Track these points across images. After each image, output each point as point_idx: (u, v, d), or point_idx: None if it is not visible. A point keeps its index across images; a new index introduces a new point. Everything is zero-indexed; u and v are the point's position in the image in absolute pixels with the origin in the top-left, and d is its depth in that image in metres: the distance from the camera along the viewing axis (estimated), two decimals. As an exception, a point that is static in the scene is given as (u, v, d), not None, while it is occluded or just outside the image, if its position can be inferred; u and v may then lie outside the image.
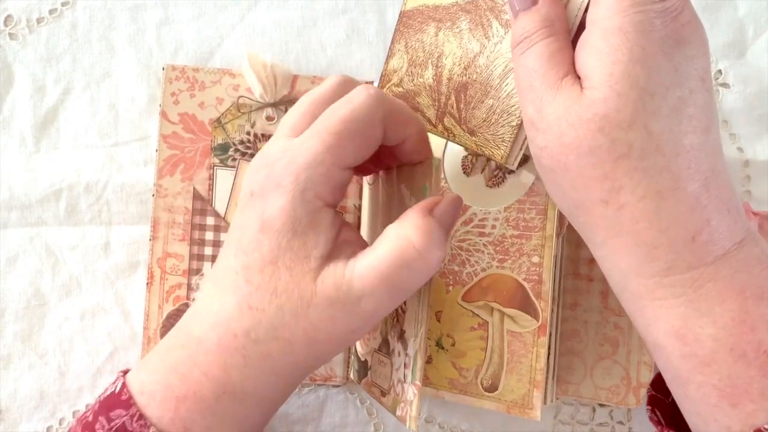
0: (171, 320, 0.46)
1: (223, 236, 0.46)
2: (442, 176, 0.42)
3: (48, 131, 0.47)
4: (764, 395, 0.29)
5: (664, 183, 0.29)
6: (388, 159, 0.38)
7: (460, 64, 0.37)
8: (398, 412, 0.37)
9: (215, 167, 0.47)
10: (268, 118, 0.47)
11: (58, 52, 0.48)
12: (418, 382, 0.36)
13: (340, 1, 0.49)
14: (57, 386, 0.46)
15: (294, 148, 0.33)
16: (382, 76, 0.39)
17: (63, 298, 0.47)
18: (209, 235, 0.46)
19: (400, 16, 0.39)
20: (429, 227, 0.33)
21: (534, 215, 0.40)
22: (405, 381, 0.37)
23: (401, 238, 0.33)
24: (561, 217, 0.40)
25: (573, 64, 0.32)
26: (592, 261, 0.45)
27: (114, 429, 0.34)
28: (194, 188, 0.46)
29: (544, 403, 0.41)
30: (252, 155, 0.47)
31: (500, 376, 0.41)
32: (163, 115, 0.46)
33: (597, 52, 0.30)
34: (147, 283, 0.46)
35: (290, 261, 0.33)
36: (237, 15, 0.49)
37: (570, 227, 0.43)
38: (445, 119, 0.37)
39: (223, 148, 0.47)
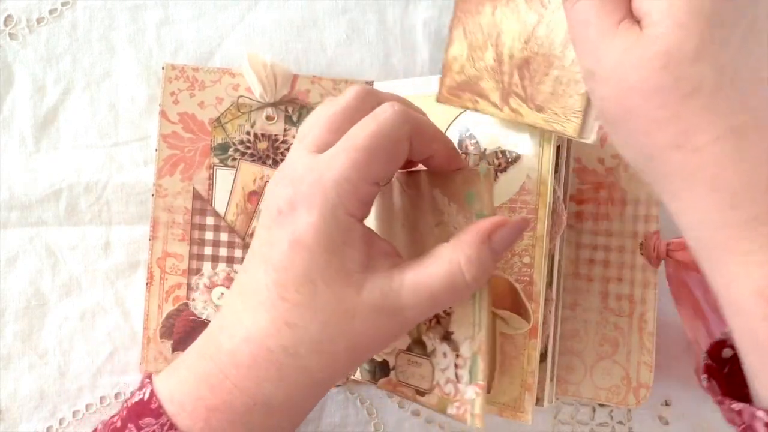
0: (171, 320, 0.46)
1: (222, 236, 0.46)
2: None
3: (48, 131, 0.47)
4: None
5: (742, 120, 0.27)
6: (409, 165, 0.39)
7: (519, 39, 0.36)
8: (451, 411, 0.38)
9: (215, 167, 0.47)
10: (268, 118, 0.47)
11: (58, 52, 0.48)
12: (481, 382, 0.36)
13: (340, 1, 0.49)
14: (57, 386, 0.46)
15: (321, 166, 0.33)
16: (443, 65, 0.38)
17: (63, 298, 0.47)
18: (209, 235, 0.46)
19: (455, 2, 0.38)
20: (483, 260, 0.34)
21: (525, 215, 0.40)
22: (460, 381, 0.37)
23: (454, 264, 0.33)
24: (554, 216, 0.40)
25: (629, 9, 0.29)
26: (591, 261, 0.45)
27: None
28: (194, 188, 0.46)
29: (543, 404, 0.40)
30: (252, 155, 0.47)
31: (493, 378, 0.41)
32: (163, 114, 0.46)
33: None
34: (147, 283, 0.46)
35: (329, 278, 0.33)
36: (237, 15, 0.49)
37: (568, 227, 0.43)
38: (511, 100, 0.36)
39: (223, 148, 0.47)
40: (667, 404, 0.48)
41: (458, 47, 0.38)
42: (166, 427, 0.34)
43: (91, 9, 0.48)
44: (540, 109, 0.35)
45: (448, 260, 0.34)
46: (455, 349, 0.38)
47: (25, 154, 0.47)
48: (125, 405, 0.36)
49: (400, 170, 0.39)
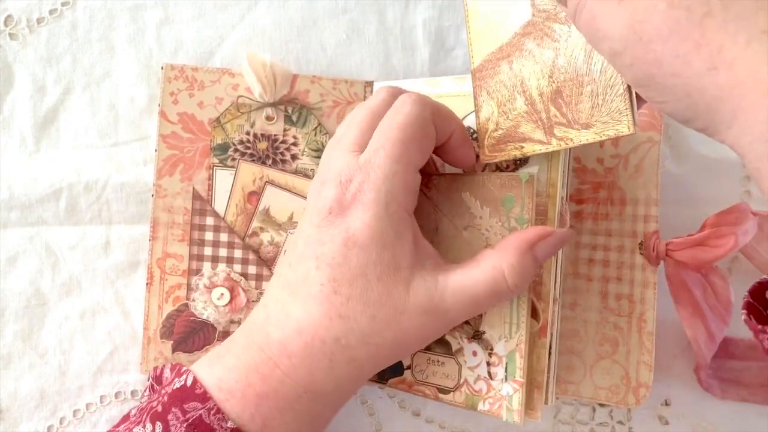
0: (171, 320, 0.46)
1: (222, 236, 0.46)
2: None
3: (48, 131, 0.47)
4: None
5: (765, 21, 0.27)
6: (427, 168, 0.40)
7: (543, 77, 0.37)
8: (482, 407, 0.40)
9: (215, 167, 0.47)
10: (268, 118, 0.47)
11: (58, 52, 0.48)
12: (519, 379, 0.39)
13: (340, 1, 0.49)
14: (57, 385, 0.46)
15: (365, 165, 0.35)
16: (477, 130, 0.40)
17: (63, 298, 0.47)
18: (209, 236, 0.46)
19: (472, 74, 0.40)
20: (526, 268, 0.36)
21: (534, 215, 0.40)
22: (493, 378, 0.39)
23: (497, 271, 0.35)
24: (561, 217, 0.40)
25: None
26: (591, 261, 0.45)
27: (190, 420, 0.35)
28: (193, 188, 0.46)
29: (545, 403, 0.41)
30: (251, 155, 0.47)
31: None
32: (162, 114, 0.46)
33: None
34: (147, 284, 0.46)
35: (381, 273, 0.35)
36: (237, 15, 0.49)
37: (570, 228, 0.43)
38: (555, 130, 0.37)
39: (223, 148, 0.47)
40: (667, 404, 0.48)
41: (487, 109, 0.40)
42: (213, 411, 0.35)
43: (91, 9, 0.48)
44: (587, 126, 0.36)
45: (492, 266, 0.36)
46: (487, 347, 0.40)
47: (25, 154, 0.47)
48: (164, 391, 0.37)
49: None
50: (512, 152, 0.39)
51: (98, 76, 0.48)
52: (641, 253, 0.44)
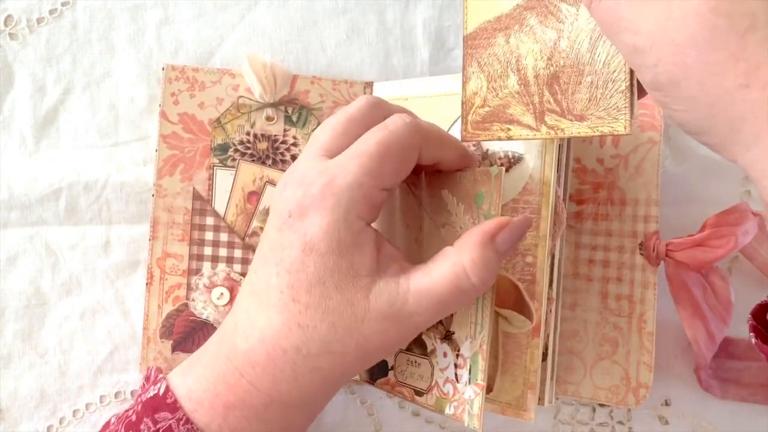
0: (170, 320, 0.46)
1: (222, 236, 0.46)
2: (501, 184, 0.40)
3: (48, 131, 0.47)
4: None
5: None
6: (418, 170, 0.39)
7: (542, 58, 0.35)
8: (449, 411, 0.38)
9: (215, 167, 0.47)
10: (268, 119, 0.47)
11: (58, 52, 0.48)
12: (480, 382, 0.37)
13: (340, 1, 0.49)
14: (57, 385, 0.46)
15: (333, 170, 0.34)
16: (462, 103, 0.38)
17: (63, 297, 0.47)
18: (209, 236, 0.46)
19: (464, 40, 0.38)
20: (487, 260, 0.34)
21: (529, 214, 0.40)
22: (459, 381, 0.38)
23: (458, 266, 0.34)
24: (556, 216, 0.40)
25: None
26: (591, 261, 0.45)
27: (161, 431, 0.35)
28: (194, 188, 0.46)
29: (543, 403, 0.41)
30: (252, 155, 0.47)
31: (495, 378, 0.41)
32: (163, 115, 0.46)
33: None
34: (146, 283, 0.46)
35: (339, 280, 0.34)
36: (237, 15, 0.49)
37: (568, 227, 0.43)
38: (546, 118, 0.35)
39: (223, 149, 0.47)
40: (667, 404, 0.48)
41: (475, 82, 0.38)
42: (182, 422, 0.35)
43: (91, 9, 0.48)
44: (581, 119, 0.34)
45: (452, 263, 0.34)
46: (456, 348, 0.39)
47: (25, 154, 0.47)
48: (139, 399, 0.37)
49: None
50: (497, 133, 0.37)
51: (98, 76, 0.48)
52: (641, 254, 0.44)
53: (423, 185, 0.41)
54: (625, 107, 0.33)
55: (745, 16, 0.26)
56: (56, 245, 0.47)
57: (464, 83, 0.38)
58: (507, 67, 0.36)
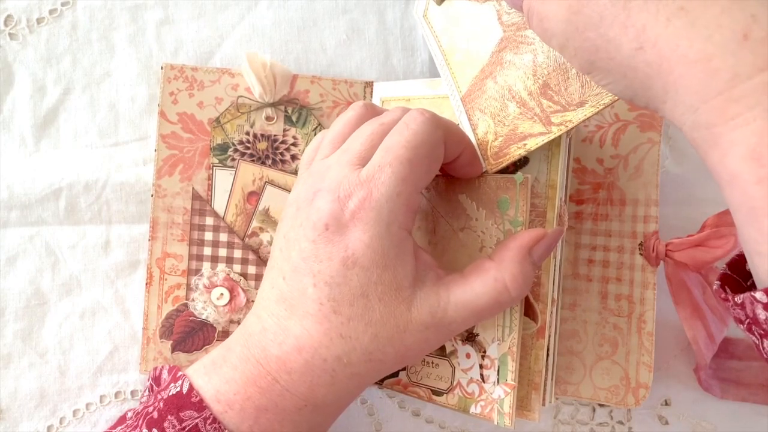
0: (170, 320, 0.46)
1: (222, 236, 0.46)
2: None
3: (48, 131, 0.47)
4: None
5: None
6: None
7: (528, 77, 0.38)
8: (475, 410, 0.39)
9: (214, 167, 0.47)
10: (268, 118, 0.47)
11: (58, 52, 0.48)
12: (511, 382, 0.38)
13: (340, 1, 0.49)
14: (57, 385, 0.46)
15: (367, 181, 0.34)
16: (477, 145, 0.40)
17: (63, 297, 0.47)
18: (208, 236, 0.46)
19: (461, 102, 0.41)
20: (527, 274, 0.35)
21: (533, 216, 0.40)
22: (486, 381, 0.39)
23: (499, 282, 0.35)
24: (560, 218, 0.40)
25: None
26: (591, 261, 0.45)
27: (186, 429, 0.35)
28: (193, 188, 0.46)
29: (544, 404, 0.41)
30: (251, 155, 0.47)
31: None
32: (162, 114, 0.46)
33: None
34: (146, 284, 0.46)
35: (382, 293, 0.34)
36: (237, 15, 0.49)
37: (568, 228, 0.43)
38: (553, 118, 0.37)
39: (222, 149, 0.47)
40: (666, 404, 0.48)
41: (483, 125, 0.40)
42: (209, 421, 0.35)
43: (91, 9, 0.48)
44: (582, 104, 0.36)
45: (494, 278, 0.35)
46: (481, 350, 0.40)
47: (25, 154, 0.47)
48: (159, 397, 0.37)
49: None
50: (516, 152, 0.39)
51: (98, 76, 0.48)
52: (641, 254, 0.44)
53: (435, 188, 0.41)
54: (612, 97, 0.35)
55: None
56: (56, 245, 0.47)
57: (473, 130, 0.40)
58: (503, 99, 0.39)
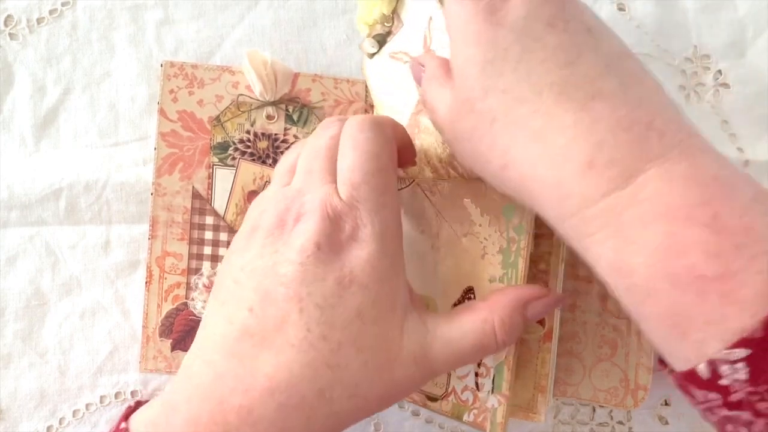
0: (170, 319, 0.46)
1: (222, 236, 0.46)
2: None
3: (48, 131, 0.47)
4: (708, 322, 0.27)
5: (537, 123, 0.30)
6: None
7: (438, 145, 0.39)
8: (467, 418, 0.39)
9: (214, 166, 0.47)
10: (268, 117, 0.47)
11: (58, 52, 0.48)
12: (505, 393, 0.38)
13: (340, 1, 0.49)
14: (57, 385, 0.46)
15: (350, 199, 0.33)
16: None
17: (63, 297, 0.47)
18: (208, 235, 0.46)
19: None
20: (516, 326, 0.35)
21: (542, 222, 0.40)
22: (480, 390, 0.39)
23: (488, 324, 0.34)
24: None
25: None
26: (591, 263, 0.45)
27: None
28: (193, 187, 0.46)
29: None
30: (252, 154, 0.47)
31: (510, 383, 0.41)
32: (162, 112, 0.46)
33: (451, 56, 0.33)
34: (146, 282, 0.46)
35: (378, 313, 0.32)
36: (237, 15, 0.49)
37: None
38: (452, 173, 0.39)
39: (223, 147, 0.47)
40: (666, 404, 0.48)
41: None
42: None
43: (91, 9, 0.48)
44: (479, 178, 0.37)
45: (482, 319, 0.34)
46: None
47: (25, 154, 0.47)
48: None
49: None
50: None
51: (98, 76, 0.48)
52: None
53: (441, 192, 0.41)
54: None
55: (488, 111, 0.31)
56: (56, 245, 0.47)
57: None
58: (420, 162, 0.40)
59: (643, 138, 0.29)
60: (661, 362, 0.32)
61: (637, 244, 0.28)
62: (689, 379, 0.28)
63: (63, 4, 0.48)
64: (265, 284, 0.32)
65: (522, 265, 0.38)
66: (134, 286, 0.47)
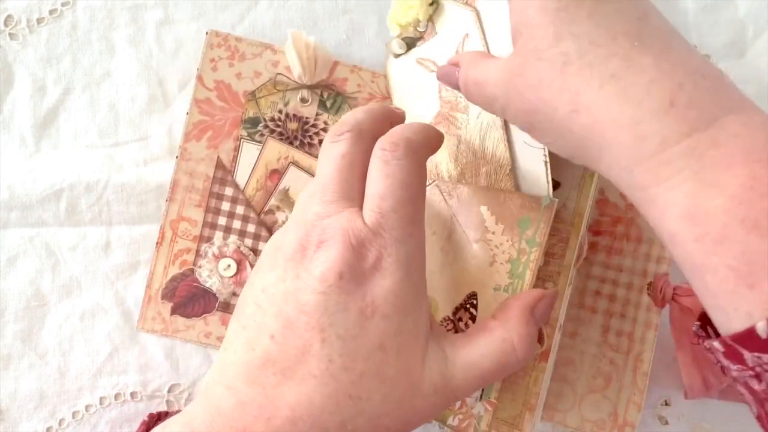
0: (174, 282, 0.46)
1: (239, 209, 0.47)
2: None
3: (48, 131, 0.47)
4: None
5: (614, 65, 0.29)
6: None
7: (451, 161, 0.40)
8: (452, 422, 0.39)
9: (242, 140, 0.47)
10: (302, 100, 0.47)
11: (58, 52, 0.47)
12: (493, 400, 0.38)
13: (340, 1, 0.49)
14: (57, 386, 0.46)
15: (376, 227, 0.32)
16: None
17: (63, 298, 0.47)
18: (225, 206, 0.47)
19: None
20: (533, 335, 0.35)
21: (555, 242, 0.40)
22: (469, 395, 0.38)
23: (507, 343, 0.34)
24: (581, 248, 0.40)
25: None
26: (598, 293, 0.45)
27: None
28: (218, 157, 0.47)
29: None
30: (280, 134, 0.47)
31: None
32: (200, 79, 0.46)
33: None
34: (156, 243, 0.46)
35: (401, 344, 0.32)
36: (237, 15, 0.49)
37: (585, 260, 0.43)
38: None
39: (253, 122, 0.47)
40: (667, 404, 0.48)
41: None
42: None
43: (91, 9, 0.48)
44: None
45: (501, 339, 0.34)
46: None
47: (25, 154, 0.47)
48: None
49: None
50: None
51: (98, 76, 0.48)
52: (648, 294, 0.44)
53: (458, 196, 0.41)
54: (512, 188, 0.39)
55: (561, 54, 0.30)
56: (56, 246, 0.47)
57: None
58: (430, 174, 0.40)
59: (720, 88, 0.29)
60: (696, 335, 0.31)
61: (717, 186, 0.27)
62: (744, 339, 0.26)
63: (63, 4, 0.48)
64: (286, 311, 0.32)
65: (529, 277, 0.38)
66: (134, 287, 0.47)
